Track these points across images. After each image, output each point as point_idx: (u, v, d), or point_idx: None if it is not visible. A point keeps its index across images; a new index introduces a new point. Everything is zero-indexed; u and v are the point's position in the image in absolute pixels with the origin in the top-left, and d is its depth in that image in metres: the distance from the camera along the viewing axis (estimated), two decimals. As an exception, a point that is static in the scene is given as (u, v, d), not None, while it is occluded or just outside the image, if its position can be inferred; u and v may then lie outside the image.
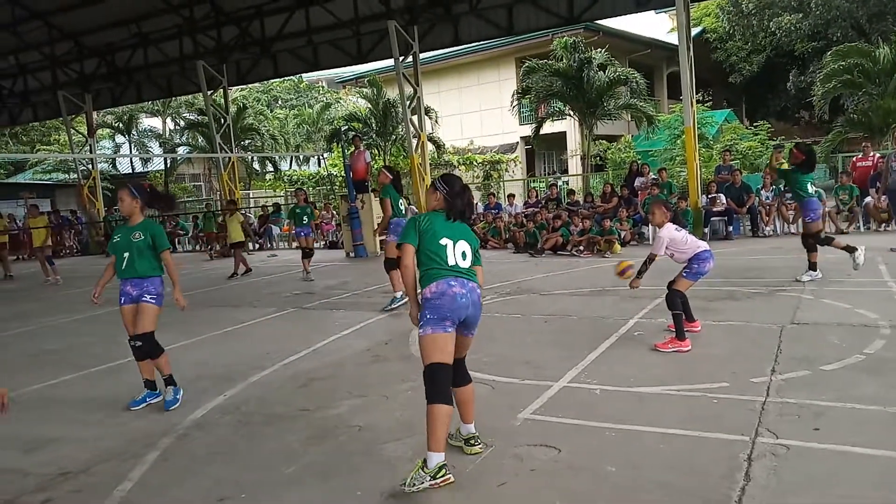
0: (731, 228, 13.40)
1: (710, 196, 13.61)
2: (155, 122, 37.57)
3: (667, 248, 5.68)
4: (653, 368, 5.03)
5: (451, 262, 3.48)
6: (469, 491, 3.26)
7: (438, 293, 3.41)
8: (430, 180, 15.15)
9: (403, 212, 8.41)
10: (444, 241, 3.50)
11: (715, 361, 5.10)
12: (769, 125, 22.39)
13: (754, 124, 23.53)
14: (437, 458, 3.29)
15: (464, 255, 3.54)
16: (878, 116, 17.79)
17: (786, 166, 14.72)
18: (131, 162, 34.83)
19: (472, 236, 3.64)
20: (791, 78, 28.66)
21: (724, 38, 30.13)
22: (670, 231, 5.66)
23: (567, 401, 4.47)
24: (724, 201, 13.44)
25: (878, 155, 13.97)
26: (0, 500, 3.60)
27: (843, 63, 18.29)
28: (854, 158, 14.57)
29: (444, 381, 3.39)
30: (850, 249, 7.68)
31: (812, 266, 8.02)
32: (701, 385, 4.52)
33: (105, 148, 34.55)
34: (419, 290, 3.53)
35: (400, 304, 7.89)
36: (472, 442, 3.71)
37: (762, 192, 13.64)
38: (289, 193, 27.61)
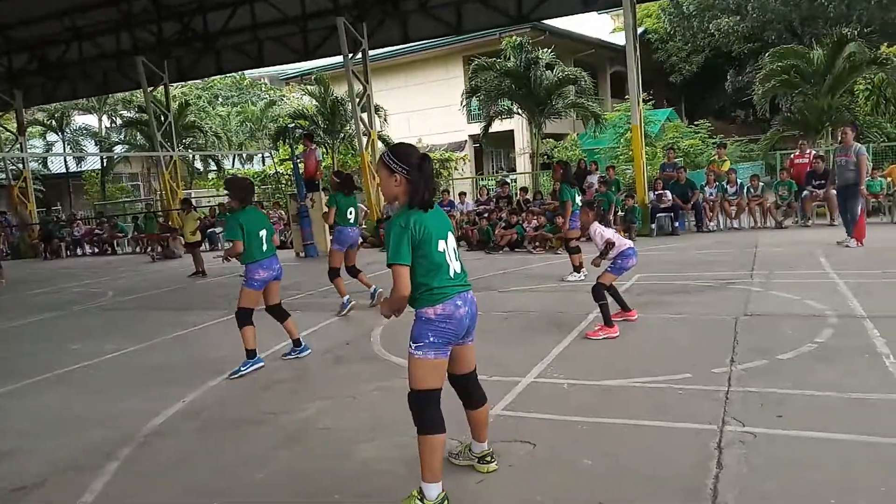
0: (676, 224, 13.77)
1: (656, 193, 13.94)
2: (90, 120, 36.12)
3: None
4: (616, 361, 5.11)
5: (451, 272, 3.03)
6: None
7: (445, 316, 2.98)
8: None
9: (352, 221, 8.00)
10: (441, 245, 3.00)
11: (676, 353, 5.21)
12: (708, 124, 23.09)
13: (694, 123, 24.23)
14: (436, 490, 3.00)
15: (456, 253, 3.10)
16: (813, 115, 18.58)
17: (728, 164, 15.28)
18: (65, 161, 33.46)
19: (448, 220, 3.18)
20: (729, 78, 29.64)
21: (665, 38, 30.94)
22: (599, 227, 6.23)
23: (536, 396, 4.49)
24: (670, 197, 13.79)
25: (813, 153, 14.57)
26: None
27: (781, 64, 19.03)
28: (792, 156, 15.16)
29: (438, 407, 3.03)
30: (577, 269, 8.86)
31: (576, 268, 8.89)
32: (665, 377, 4.61)
33: (35, 147, 33.05)
34: (417, 309, 3.04)
35: (348, 308, 7.83)
36: (488, 459, 3.42)
37: (706, 188, 14.06)
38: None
